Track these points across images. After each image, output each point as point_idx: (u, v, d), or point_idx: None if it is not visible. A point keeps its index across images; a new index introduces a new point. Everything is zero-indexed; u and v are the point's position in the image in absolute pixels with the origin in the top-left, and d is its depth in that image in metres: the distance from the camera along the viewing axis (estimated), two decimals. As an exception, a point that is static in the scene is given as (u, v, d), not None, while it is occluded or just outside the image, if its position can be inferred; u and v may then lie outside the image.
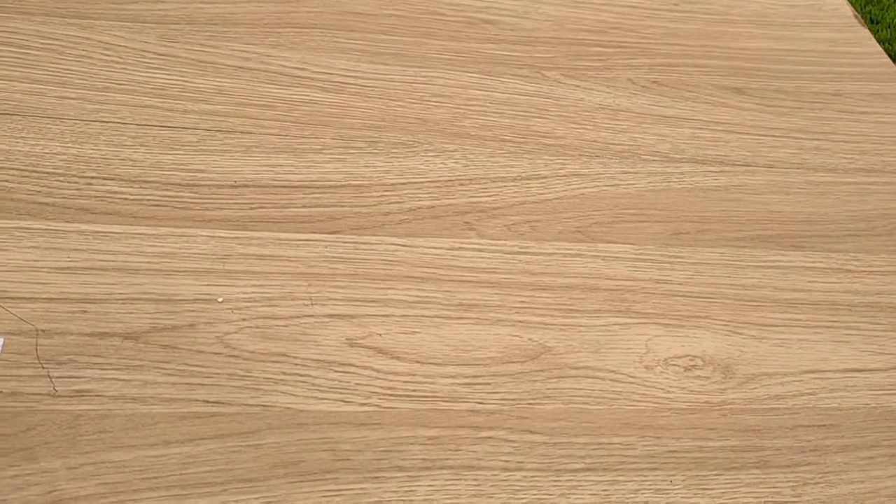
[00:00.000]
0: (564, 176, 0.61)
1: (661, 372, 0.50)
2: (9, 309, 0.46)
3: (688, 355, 0.52)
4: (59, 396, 0.43)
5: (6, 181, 0.52)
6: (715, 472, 0.46)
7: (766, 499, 0.46)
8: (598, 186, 0.60)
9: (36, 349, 0.45)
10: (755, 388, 0.51)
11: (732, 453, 0.47)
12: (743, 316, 0.55)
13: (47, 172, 0.53)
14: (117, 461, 0.41)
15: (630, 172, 0.62)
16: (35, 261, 0.49)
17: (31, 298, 0.47)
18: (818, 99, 0.71)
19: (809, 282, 0.58)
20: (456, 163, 0.60)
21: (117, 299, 0.48)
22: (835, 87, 0.72)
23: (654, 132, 0.65)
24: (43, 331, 0.46)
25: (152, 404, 0.44)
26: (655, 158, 0.63)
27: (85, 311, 0.47)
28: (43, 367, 0.44)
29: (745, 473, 0.47)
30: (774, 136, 0.68)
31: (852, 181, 0.65)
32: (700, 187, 0.62)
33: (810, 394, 0.51)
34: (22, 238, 0.49)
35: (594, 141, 0.63)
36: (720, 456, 0.47)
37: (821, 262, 0.59)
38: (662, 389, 0.50)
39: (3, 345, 0.45)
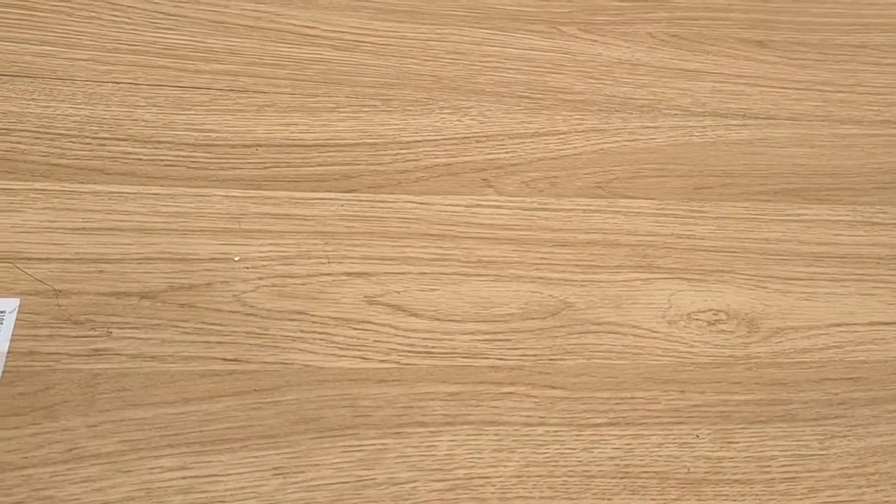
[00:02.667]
0: (583, 131, 0.59)
1: (685, 327, 0.50)
2: (25, 269, 0.46)
3: (711, 310, 0.51)
4: (76, 356, 0.43)
5: (19, 143, 0.52)
6: (741, 426, 0.46)
7: (792, 452, 0.45)
8: (618, 142, 0.59)
9: (57, 308, 0.44)
10: (780, 342, 0.50)
11: (758, 407, 0.47)
12: (767, 270, 0.54)
13: (60, 134, 0.53)
14: (137, 419, 0.41)
15: (650, 127, 0.60)
16: (50, 222, 0.48)
17: (47, 259, 0.47)
18: (843, 51, 0.69)
19: (835, 235, 0.56)
20: (472, 120, 0.59)
21: (134, 259, 0.47)
22: (860, 39, 0.70)
23: (674, 86, 0.64)
24: (60, 291, 0.45)
25: (171, 362, 0.44)
26: (676, 113, 0.62)
27: (101, 272, 0.47)
28: (64, 326, 0.44)
29: (771, 427, 0.46)
30: (798, 88, 0.66)
31: (878, 133, 0.63)
32: (722, 141, 0.61)
33: (837, 347, 0.50)
34: (37, 199, 0.49)
35: (613, 96, 0.62)
36: (746, 410, 0.46)
37: (847, 215, 0.58)
38: (686, 344, 0.49)
39: (20, 305, 0.44)
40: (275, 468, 0.41)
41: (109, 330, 0.41)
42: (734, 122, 0.62)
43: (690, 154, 0.59)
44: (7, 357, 0.42)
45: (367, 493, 0.41)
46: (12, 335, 0.43)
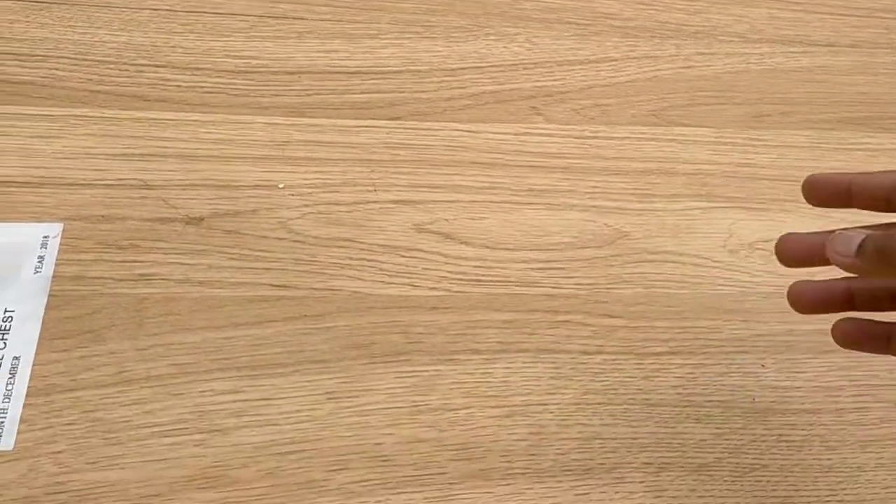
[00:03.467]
0: (636, 58, 0.57)
1: (747, 256, 0.48)
2: (67, 195, 0.45)
3: (774, 240, 0.49)
4: (122, 280, 0.42)
5: (57, 70, 0.50)
6: (807, 356, 0.44)
7: (862, 382, 0.43)
8: (672, 69, 0.57)
9: (101, 233, 0.43)
10: (847, 272, 0.48)
11: (825, 336, 0.45)
12: (831, 199, 0.51)
13: (98, 60, 0.51)
14: (186, 342, 0.40)
15: (706, 54, 0.58)
16: (91, 147, 0.47)
17: (89, 184, 0.45)
18: (905, -22, 0.66)
19: (901, 164, 0.54)
20: (519, 47, 0.57)
21: (177, 185, 0.46)
22: (924, -35, 0.67)
23: (730, 13, 0.61)
24: (103, 216, 0.44)
25: (219, 288, 0.42)
26: (733, 39, 0.59)
27: (144, 197, 0.45)
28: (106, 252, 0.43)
29: (838, 356, 0.44)
30: (858, 15, 0.63)
31: (946, 61, 0.60)
32: (781, 69, 0.58)
33: (907, 277, 0.48)
34: (77, 125, 0.48)
35: (666, 22, 0.59)
36: (812, 339, 0.45)
37: (913, 144, 0.55)
38: (748, 273, 0.47)
39: (64, 230, 0.43)
40: (328, 392, 0.39)
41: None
42: (793, 49, 0.59)
43: (748, 82, 0.57)
44: (53, 281, 0.41)
45: (422, 417, 0.39)
46: (57, 259, 0.42)
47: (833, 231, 0.32)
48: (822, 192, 0.35)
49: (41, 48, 0.51)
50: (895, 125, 0.56)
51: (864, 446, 0.41)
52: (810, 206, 0.51)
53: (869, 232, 0.30)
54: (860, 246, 0.30)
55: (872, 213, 0.35)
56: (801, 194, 0.52)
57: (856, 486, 0.40)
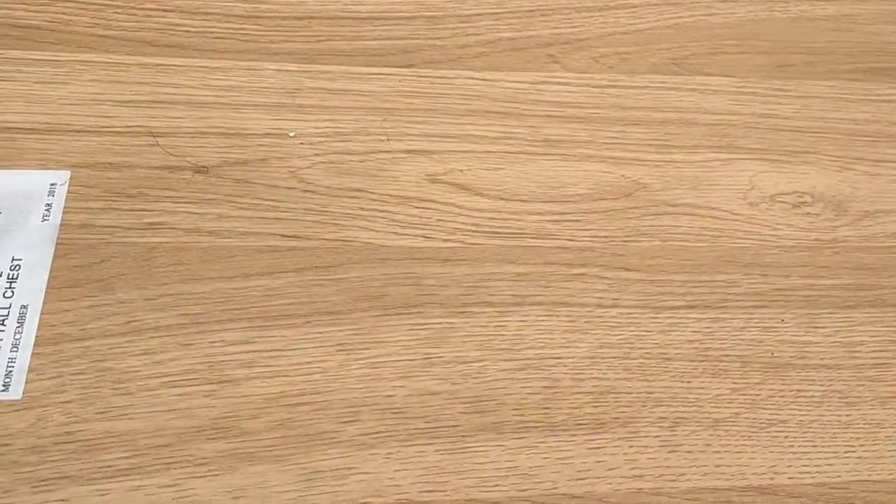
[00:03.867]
0: (656, 5, 0.55)
1: (767, 209, 0.47)
2: (74, 142, 0.44)
3: (796, 192, 0.48)
4: (130, 229, 0.41)
5: (62, 13, 0.49)
6: (828, 311, 0.43)
7: (883, 337, 0.42)
8: (694, 16, 0.55)
9: (109, 181, 0.42)
10: (870, 226, 0.47)
11: (846, 291, 0.44)
12: (855, 151, 0.50)
13: (104, 4, 0.50)
14: (196, 292, 0.40)
15: (729, 1, 0.56)
16: (98, 94, 0.46)
17: (96, 131, 0.44)
18: (938, -78, 0.63)
19: (929, 116, 0.52)
20: (537, -8, 0.55)
21: (186, 133, 0.45)
22: None
23: (754, -42, 0.59)
24: (111, 164, 0.43)
25: (228, 237, 0.42)
26: (757, -15, 0.57)
27: (153, 145, 0.45)
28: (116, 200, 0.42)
29: (859, 312, 0.43)
30: (888, -38, 0.61)
31: (978, 9, 0.58)
32: (806, 17, 0.56)
33: (932, 231, 0.47)
34: (83, 71, 0.47)
35: (688, -32, 0.57)
36: (833, 294, 0.44)
37: (942, 95, 0.53)
38: (769, 227, 0.46)
39: (71, 178, 0.43)
40: (339, 344, 0.39)
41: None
42: (819, -4, 0.57)
43: (772, 30, 0.55)
44: (60, 229, 0.41)
45: (434, 370, 0.39)
46: (64, 207, 0.42)
47: None
48: None
49: (46, -9, 0.50)
50: (924, 76, 0.54)
51: (883, 402, 0.40)
52: (832, 158, 0.50)
53: None
54: None
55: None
56: (823, 145, 0.51)
57: (875, 442, 0.39)
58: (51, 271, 0.39)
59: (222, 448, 0.36)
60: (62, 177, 0.43)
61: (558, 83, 0.51)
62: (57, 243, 0.40)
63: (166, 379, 0.37)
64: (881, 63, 0.55)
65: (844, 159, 0.49)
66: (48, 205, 0.42)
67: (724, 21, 0.55)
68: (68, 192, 0.42)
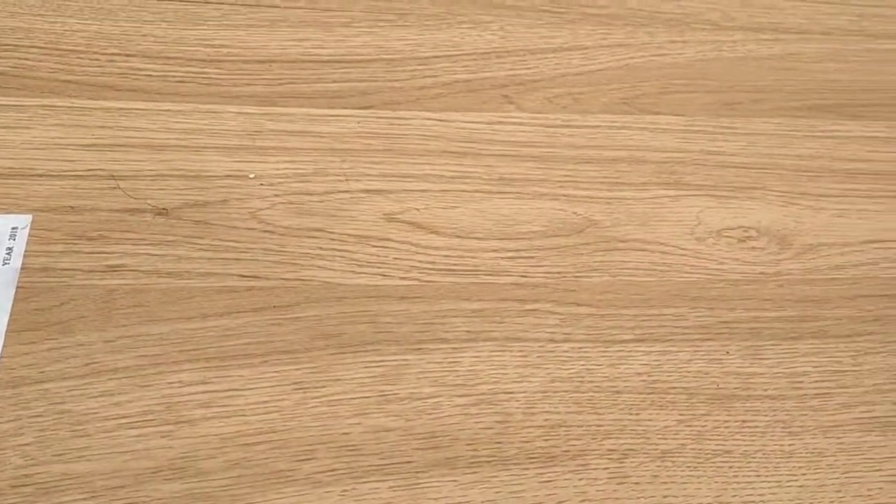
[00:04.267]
0: (608, 46, 0.57)
1: (714, 244, 0.48)
2: (36, 186, 0.45)
3: (741, 227, 0.49)
4: (91, 272, 0.42)
5: (27, 59, 0.50)
6: (771, 342, 0.44)
7: (825, 368, 0.44)
8: (644, 56, 0.57)
9: (70, 225, 0.43)
10: (813, 259, 0.48)
11: (789, 324, 0.45)
12: (799, 187, 0.52)
13: (68, 50, 0.51)
14: (155, 334, 0.40)
15: (678, 42, 0.58)
16: (60, 138, 0.47)
17: (58, 175, 0.45)
18: (879, -36, 0.66)
19: (869, 151, 0.54)
20: (493, 35, 0.57)
21: (146, 175, 0.46)
22: (898, -49, 0.67)
23: (702, 0, 0.61)
24: (72, 207, 0.44)
25: (187, 279, 0.43)
26: (705, 27, 0.59)
27: (114, 188, 0.45)
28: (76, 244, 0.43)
29: (802, 343, 0.45)
30: (830, 3, 0.63)
31: (917, 47, 0.61)
32: (753, 56, 0.58)
33: (871, 263, 0.48)
34: (46, 116, 0.48)
35: (639, 10, 0.60)
36: (776, 326, 0.45)
37: (882, 131, 0.56)
38: (715, 261, 0.47)
39: (33, 221, 0.43)
40: (295, 383, 0.40)
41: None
42: (765, 36, 0.60)
43: (720, 69, 0.57)
44: (21, 273, 0.41)
45: (389, 407, 0.40)
46: (25, 251, 0.42)
47: None
48: None
49: (11, 38, 0.51)
50: (865, 112, 0.56)
51: (825, 432, 0.42)
52: (777, 194, 0.51)
53: None
54: None
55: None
56: (768, 181, 0.53)
57: (816, 471, 0.41)
58: (11, 315, 0.40)
59: (178, 489, 0.36)
60: (24, 221, 0.43)
61: (513, 123, 0.52)
62: (17, 287, 0.41)
63: (124, 420, 0.38)
64: (825, 100, 0.57)
65: (789, 194, 0.51)
66: (9, 249, 0.42)
67: (674, 61, 0.57)
68: (29, 235, 0.43)
